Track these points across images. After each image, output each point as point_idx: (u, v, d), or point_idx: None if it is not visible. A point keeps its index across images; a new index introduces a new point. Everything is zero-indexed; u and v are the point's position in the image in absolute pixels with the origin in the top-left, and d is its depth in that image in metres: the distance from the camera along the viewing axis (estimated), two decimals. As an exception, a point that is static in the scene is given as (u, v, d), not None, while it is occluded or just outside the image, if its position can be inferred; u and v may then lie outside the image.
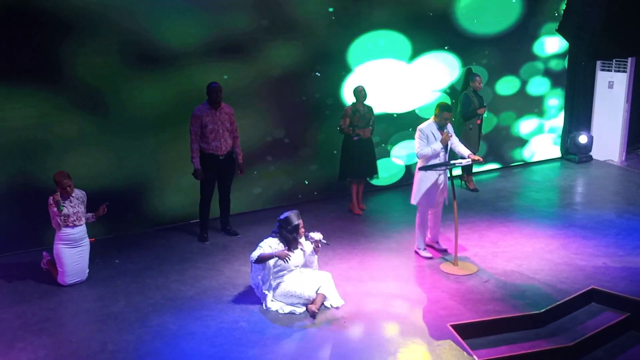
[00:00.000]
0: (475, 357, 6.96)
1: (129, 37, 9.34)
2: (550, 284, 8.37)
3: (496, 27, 11.89)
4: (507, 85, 12.24)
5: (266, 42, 10.19)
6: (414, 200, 9.02)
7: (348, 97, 10.66)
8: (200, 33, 9.76)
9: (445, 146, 8.80)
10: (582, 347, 7.45)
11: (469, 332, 7.43)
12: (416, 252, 9.21)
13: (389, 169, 11.54)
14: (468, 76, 11.29)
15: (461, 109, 11.06)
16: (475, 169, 11.77)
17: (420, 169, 8.80)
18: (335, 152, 10.71)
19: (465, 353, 6.99)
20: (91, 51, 9.15)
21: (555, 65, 12.58)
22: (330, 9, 10.45)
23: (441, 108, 8.80)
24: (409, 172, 11.41)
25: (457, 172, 9.06)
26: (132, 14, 9.29)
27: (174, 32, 9.59)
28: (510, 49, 12.05)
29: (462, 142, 9.13)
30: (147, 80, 9.60)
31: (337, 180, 10.68)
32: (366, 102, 10.24)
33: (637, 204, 10.87)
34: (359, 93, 10.17)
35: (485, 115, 11.36)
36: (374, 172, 10.60)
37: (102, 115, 9.40)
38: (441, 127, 8.80)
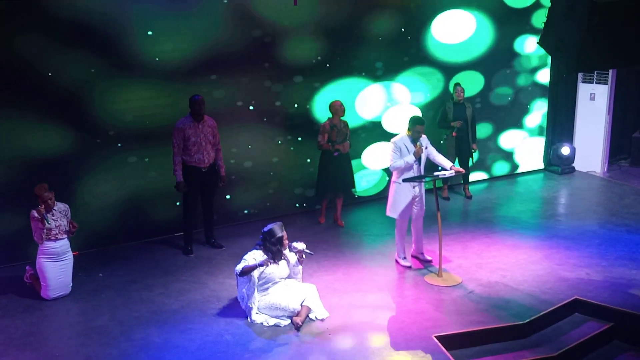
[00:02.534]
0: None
1: (110, 48, 9.35)
2: (534, 294, 8.41)
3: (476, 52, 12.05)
4: (494, 97, 12.32)
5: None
6: (389, 212, 9.06)
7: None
8: (187, 47, 9.78)
9: (419, 159, 8.84)
10: (566, 357, 7.47)
11: (453, 343, 7.45)
12: (396, 261, 9.24)
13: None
14: (453, 87, 11.42)
15: (437, 119, 11.36)
16: (452, 182, 11.87)
17: (404, 180, 8.82)
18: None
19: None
20: (73, 61, 9.15)
21: (537, 77, 12.67)
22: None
23: (413, 122, 8.84)
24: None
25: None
26: (119, 27, 9.31)
27: (160, 44, 9.62)
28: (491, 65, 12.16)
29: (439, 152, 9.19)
30: (132, 93, 9.59)
31: (315, 196, 10.69)
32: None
33: (619, 214, 10.95)
34: (338, 108, 10.18)
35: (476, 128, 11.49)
36: (352, 185, 10.62)
37: (85, 127, 9.38)
38: (414, 140, 8.83)
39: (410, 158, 8.77)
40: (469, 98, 11.77)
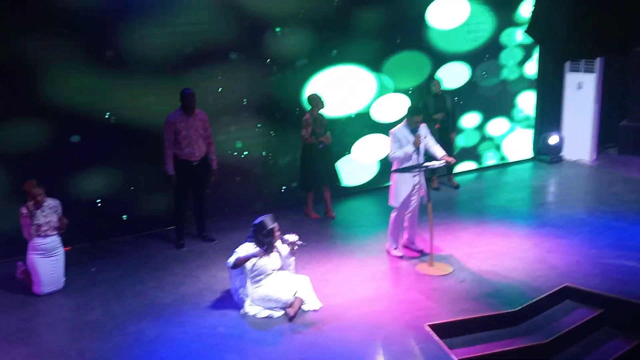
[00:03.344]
0: (453, 356, 7.02)
1: (100, 44, 9.34)
2: (525, 282, 8.47)
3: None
4: (481, 87, 12.37)
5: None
6: (394, 202, 9.09)
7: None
8: (175, 40, 9.78)
9: (418, 148, 8.88)
10: (557, 344, 7.53)
11: (445, 332, 7.48)
12: (387, 251, 9.29)
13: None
14: (429, 82, 11.46)
15: None
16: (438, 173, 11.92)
17: (394, 171, 8.87)
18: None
19: (443, 353, 7.06)
20: (63, 58, 9.14)
21: (525, 67, 12.73)
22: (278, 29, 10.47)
23: (411, 112, 8.89)
24: (379, 175, 11.52)
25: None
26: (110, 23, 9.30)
27: (147, 38, 9.60)
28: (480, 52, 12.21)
29: None
30: (123, 89, 9.59)
31: (299, 189, 10.70)
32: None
33: (607, 202, 11.03)
34: (317, 100, 10.19)
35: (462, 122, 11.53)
36: (336, 177, 10.65)
37: (74, 121, 9.35)
38: (413, 131, 8.88)
39: (410, 148, 8.80)
40: (454, 90, 11.83)
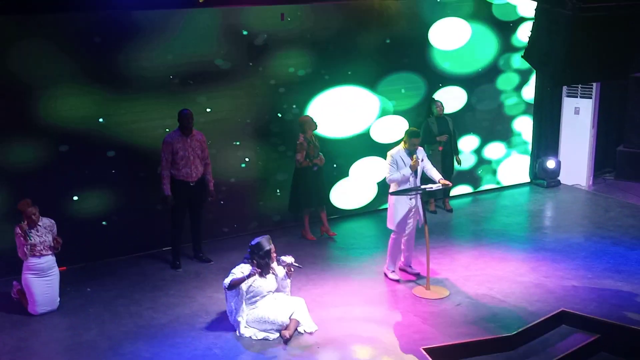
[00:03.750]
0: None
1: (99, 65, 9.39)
2: (521, 306, 8.46)
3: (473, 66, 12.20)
4: (479, 110, 12.42)
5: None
6: (391, 225, 9.09)
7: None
8: (176, 60, 9.83)
9: (415, 171, 8.90)
10: (554, 369, 7.53)
11: (441, 356, 7.47)
12: (385, 274, 9.27)
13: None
14: (430, 103, 11.49)
15: (422, 135, 11.36)
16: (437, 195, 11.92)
17: (391, 193, 8.89)
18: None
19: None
20: (61, 78, 9.18)
21: (522, 92, 12.78)
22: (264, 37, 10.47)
23: (409, 134, 8.93)
24: (377, 197, 11.52)
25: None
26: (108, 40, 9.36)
27: (149, 59, 9.65)
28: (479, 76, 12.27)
29: None
30: (121, 109, 9.61)
31: (290, 211, 10.68)
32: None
33: (604, 227, 11.04)
34: (310, 122, 10.19)
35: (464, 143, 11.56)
36: (327, 198, 10.68)
37: (70, 140, 9.36)
38: (411, 153, 8.90)
39: (407, 171, 8.82)
40: (453, 112, 11.88)
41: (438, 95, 11.80)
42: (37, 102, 9.10)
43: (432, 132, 11.29)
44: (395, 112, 11.62)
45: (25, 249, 8.18)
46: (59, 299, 8.50)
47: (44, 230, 8.28)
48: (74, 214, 9.49)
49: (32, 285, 8.27)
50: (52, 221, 8.41)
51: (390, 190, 8.99)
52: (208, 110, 10.11)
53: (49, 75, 9.10)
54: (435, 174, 9.05)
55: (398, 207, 8.96)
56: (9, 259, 8.95)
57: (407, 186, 8.87)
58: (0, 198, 9.09)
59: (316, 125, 10.26)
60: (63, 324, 8.21)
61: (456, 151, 11.56)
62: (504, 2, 12.11)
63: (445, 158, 11.36)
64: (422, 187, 8.90)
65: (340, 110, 11.13)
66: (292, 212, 10.67)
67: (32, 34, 8.92)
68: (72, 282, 9.07)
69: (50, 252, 8.34)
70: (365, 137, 11.46)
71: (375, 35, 11.16)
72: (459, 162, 11.56)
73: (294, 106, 10.78)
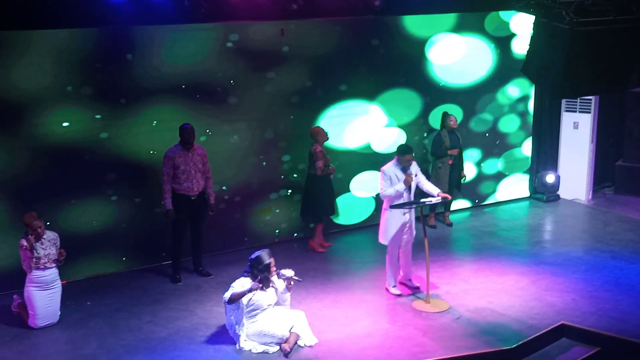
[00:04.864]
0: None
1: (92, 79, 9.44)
2: (521, 320, 8.47)
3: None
4: (477, 125, 12.45)
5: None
6: (382, 239, 9.12)
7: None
8: (175, 72, 9.88)
9: (409, 186, 8.92)
10: (554, 382, 7.53)
11: (441, 369, 7.49)
12: (386, 289, 9.28)
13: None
14: (444, 117, 11.52)
15: (432, 147, 11.36)
16: (437, 209, 11.94)
17: (391, 207, 8.90)
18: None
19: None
20: (59, 90, 9.23)
21: (521, 106, 12.83)
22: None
23: (400, 151, 8.95)
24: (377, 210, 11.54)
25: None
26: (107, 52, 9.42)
27: (150, 70, 9.71)
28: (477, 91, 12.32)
29: (432, 181, 9.25)
30: (122, 122, 9.65)
31: (303, 221, 10.78)
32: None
33: (604, 241, 11.05)
34: (322, 134, 10.27)
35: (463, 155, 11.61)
36: (336, 209, 10.75)
37: (71, 154, 9.40)
38: (404, 169, 8.92)
39: (400, 186, 8.84)
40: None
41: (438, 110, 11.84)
42: (37, 116, 9.15)
43: (444, 145, 11.30)
44: (399, 126, 11.67)
45: (30, 262, 8.20)
46: (59, 312, 8.51)
47: (48, 243, 8.31)
48: (74, 227, 9.49)
49: (35, 298, 8.29)
50: (56, 234, 8.45)
51: (384, 205, 9.02)
52: (208, 132, 10.18)
53: (47, 86, 9.14)
54: (431, 188, 9.06)
55: (392, 222, 8.97)
56: (10, 273, 8.98)
57: (400, 201, 8.88)
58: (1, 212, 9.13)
59: (327, 136, 10.31)
60: (63, 338, 8.21)
61: (462, 166, 11.60)
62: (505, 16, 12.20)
63: (452, 171, 11.39)
64: (422, 200, 8.93)
65: (343, 123, 11.22)
66: (306, 221, 10.73)
67: (34, 48, 8.99)
68: (72, 296, 9.08)
69: (54, 265, 8.37)
70: (366, 150, 11.50)
71: (375, 51, 11.24)
72: (464, 177, 11.60)
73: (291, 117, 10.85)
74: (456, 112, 12.10)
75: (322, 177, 10.31)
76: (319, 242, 10.70)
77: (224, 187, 10.42)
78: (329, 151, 10.63)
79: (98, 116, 9.47)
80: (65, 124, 9.29)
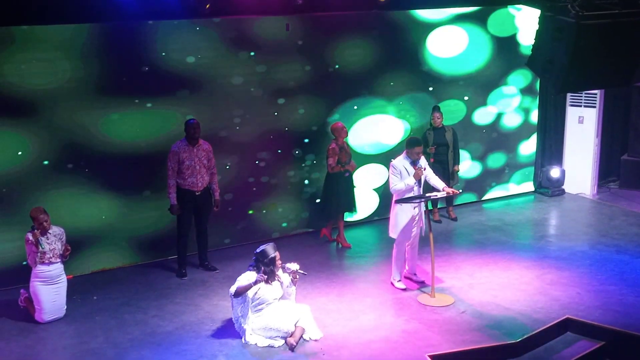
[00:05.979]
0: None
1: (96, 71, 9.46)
2: (526, 314, 8.48)
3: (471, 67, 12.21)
4: (480, 119, 12.45)
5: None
6: (392, 233, 9.13)
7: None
8: (178, 67, 9.89)
9: (419, 180, 8.93)
10: (559, 376, 7.54)
11: (447, 362, 7.50)
12: (392, 283, 9.30)
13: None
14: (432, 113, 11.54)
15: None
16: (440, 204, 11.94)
17: (396, 201, 8.92)
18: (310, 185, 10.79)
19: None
20: (64, 86, 9.25)
21: (526, 101, 12.82)
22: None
23: (410, 144, 8.94)
24: (383, 205, 11.54)
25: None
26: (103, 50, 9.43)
27: (155, 64, 9.72)
28: (482, 85, 12.31)
29: None
30: (128, 117, 9.68)
31: (321, 217, 10.77)
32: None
33: (609, 235, 11.06)
34: (341, 129, 10.27)
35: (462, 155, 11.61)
36: (355, 205, 10.71)
37: (76, 150, 9.42)
38: (414, 162, 8.93)
39: (411, 180, 8.85)
40: (454, 123, 11.92)
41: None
42: (45, 110, 9.17)
43: (428, 144, 11.29)
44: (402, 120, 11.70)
45: (35, 257, 8.22)
46: (65, 306, 8.54)
47: (54, 238, 8.33)
48: (79, 221, 9.53)
49: (40, 293, 8.31)
50: (62, 229, 8.47)
51: (394, 199, 9.03)
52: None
53: (52, 83, 9.16)
54: (438, 182, 9.08)
55: (401, 216, 8.99)
56: (15, 267, 9.01)
57: (411, 194, 8.89)
58: (6, 206, 9.16)
59: (346, 132, 10.33)
60: (69, 332, 8.25)
61: (456, 161, 11.56)
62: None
63: (437, 169, 11.32)
64: (428, 195, 8.94)
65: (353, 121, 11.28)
66: (325, 218, 10.75)
67: (37, 44, 9.00)
68: (79, 290, 9.11)
69: (59, 260, 8.39)
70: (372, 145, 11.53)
71: (381, 46, 11.24)
72: (457, 171, 11.54)
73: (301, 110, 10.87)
74: (459, 106, 12.11)
75: (336, 175, 10.29)
76: (343, 237, 10.73)
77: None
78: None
79: (104, 110, 9.49)
80: (74, 118, 9.30)
